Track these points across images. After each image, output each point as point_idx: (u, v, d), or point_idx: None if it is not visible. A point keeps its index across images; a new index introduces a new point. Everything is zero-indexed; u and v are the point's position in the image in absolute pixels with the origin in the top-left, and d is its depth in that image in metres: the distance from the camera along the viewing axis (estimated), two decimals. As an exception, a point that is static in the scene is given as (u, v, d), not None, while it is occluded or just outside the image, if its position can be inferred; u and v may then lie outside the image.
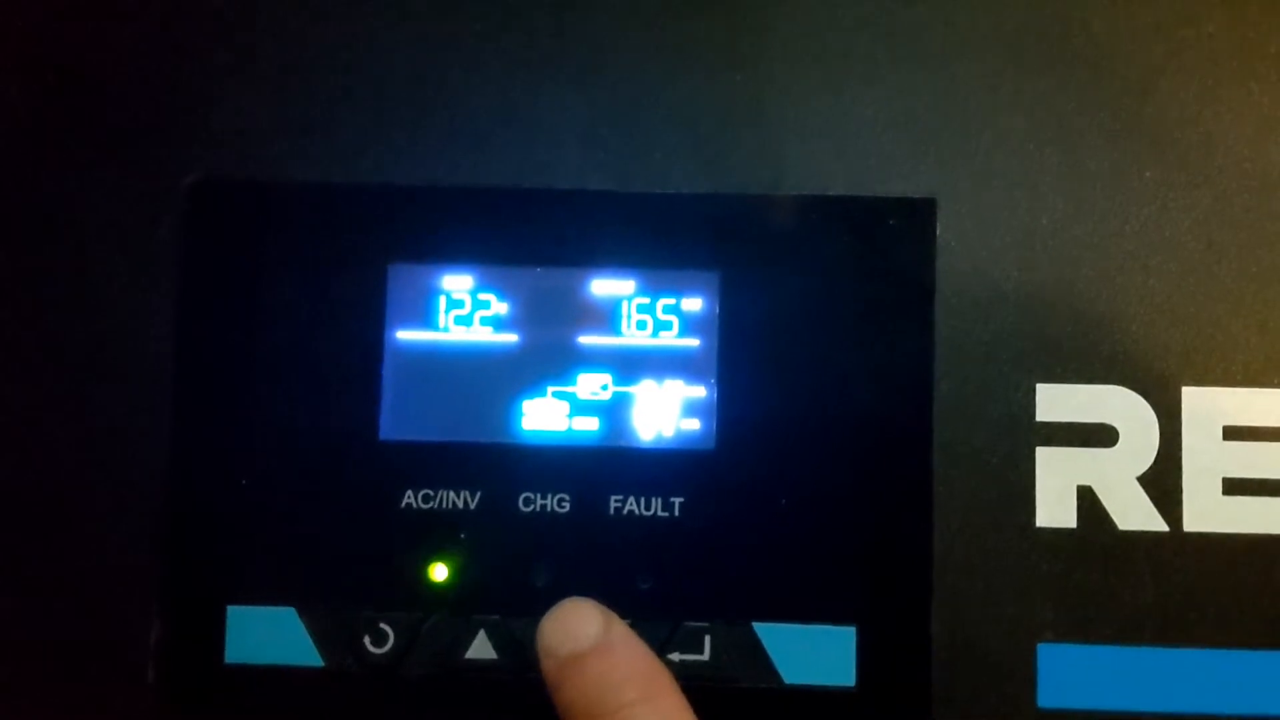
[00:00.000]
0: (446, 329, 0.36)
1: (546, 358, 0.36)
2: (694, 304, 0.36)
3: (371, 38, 0.36)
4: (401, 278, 0.36)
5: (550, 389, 0.36)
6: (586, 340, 0.36)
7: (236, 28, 0.37)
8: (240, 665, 0.35)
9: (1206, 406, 0.35)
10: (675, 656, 0.34)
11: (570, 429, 0.36)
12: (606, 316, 0.36)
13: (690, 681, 0.33)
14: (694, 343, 0.36)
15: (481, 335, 0.36)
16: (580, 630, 0.32)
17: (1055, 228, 0.35)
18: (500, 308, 0.36)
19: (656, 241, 0.36)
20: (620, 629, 0.32)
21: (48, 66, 0.37)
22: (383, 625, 0.35)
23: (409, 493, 0.35)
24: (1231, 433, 0.34)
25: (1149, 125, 0.35)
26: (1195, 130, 0.35)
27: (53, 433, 0.36)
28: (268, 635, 0.35)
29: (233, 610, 0.35)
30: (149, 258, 0.36)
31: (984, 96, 0.36)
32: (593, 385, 0.36)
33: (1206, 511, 0.34)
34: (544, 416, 0.36)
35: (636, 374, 0.36)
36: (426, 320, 0.36)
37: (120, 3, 0.37)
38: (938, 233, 0.35)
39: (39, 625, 0.35)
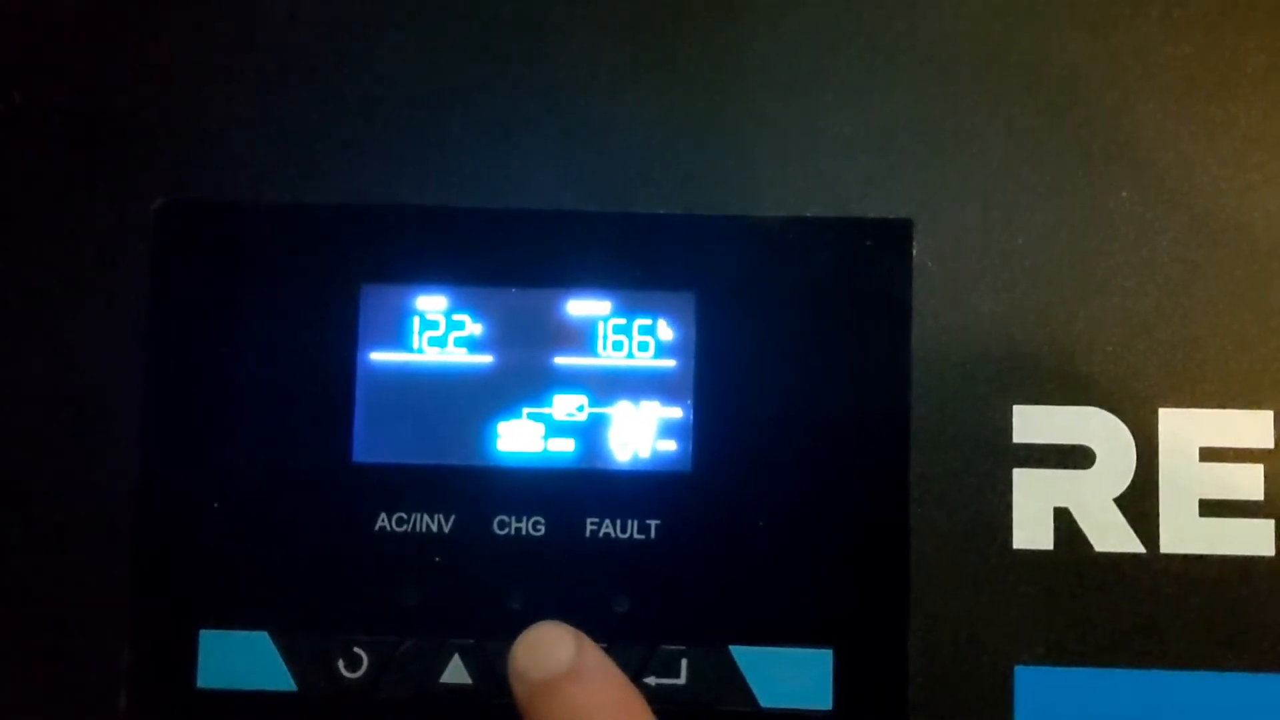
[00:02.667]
0: (420, 350, 0.36)
1: (522, 379, 0.36)
2: (670, 325, 0.36)
3: (345, 58, 0.36)
4: (374, 299, 0.36)
5: (525, 410, 0.36)
6: (562, 361, 0.36)
7: (206, 48, 0.36)
8: (213, 690, 0.35)
9: (1183, 428, 0.35)
10: (651, 680, 0.34)
11: (546, 450, 0.35)
12: (582, 337, 0.36)
13: (667, 705, 0.33)
14: (670, 363, 0.36)
15: (456, 356, 0.36)
16: (552, 655, 0.32)
17: (1032, 248, 0.35)
18: (475, 328, 0.36)
19: (632, 262, 0.36)
20: (593, 653, 0.32)
21: (12, 86, 0.36)
22: (357, 649, 0.35)
23: (383, 515, 0.35)
24: (1208, 454, 0.34)
25: (1126, 146, 0.35)
26: (1172, 151, 0.35)
27: (22, 456, 0.35)
28: (241, 660, 0.35)
29: (205, 634, 0.35)
30: (118, 280, 0.36)
31: (961, 117, 0.36)
32: (568, 406, 0.36)
33: (1183, 533, 0.34)
34: (519, 438, 0.35)
35: (613, 395, 0.36)
36: (400, 341, 0.36)
37: (88, 24, 0.36)
38: (914, 254, 0.35)
39: (6, 649, 0.35)
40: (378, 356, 0.36)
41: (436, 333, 0.36)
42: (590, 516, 0.35)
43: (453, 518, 0.35)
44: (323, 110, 0.36)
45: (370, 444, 0.35)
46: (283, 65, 0.36)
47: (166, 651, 0.35)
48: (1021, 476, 0.35)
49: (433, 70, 0.36)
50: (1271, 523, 0.34)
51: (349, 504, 0.35)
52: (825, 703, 0.34)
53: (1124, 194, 0.35)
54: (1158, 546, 0.34)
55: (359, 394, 0.35)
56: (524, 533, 0.35)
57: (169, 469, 0.35)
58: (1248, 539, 0.34)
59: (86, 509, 0.35)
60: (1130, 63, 0.36)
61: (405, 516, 0.35)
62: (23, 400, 0.35)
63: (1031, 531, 0.34)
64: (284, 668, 0.35)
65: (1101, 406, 0.35)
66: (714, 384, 0.35)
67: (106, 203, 0.36)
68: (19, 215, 0.36)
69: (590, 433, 0.35)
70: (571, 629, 0.33)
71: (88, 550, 0.35)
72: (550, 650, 0.32)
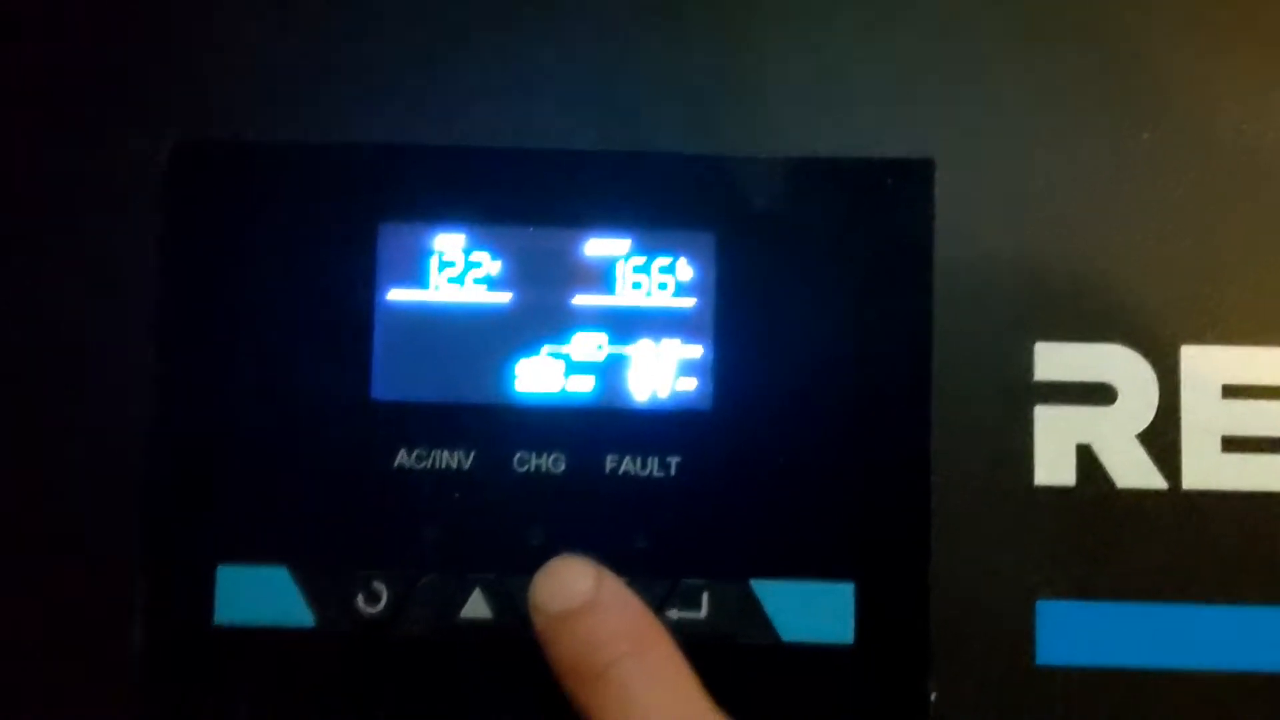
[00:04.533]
0: (438, 289, 0.36)
1: (541, 318, 0.36)
2: (690, 264, 0.36)
3: (363, -6, 0.36)
4: (392, 237, 0.36)
5: (545, 349, 0.35)
6: (581, 300, 0.36)
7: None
8: (230, 626, 0.34)
9: (1205, 364, 0.34)
10: (673, 614, 0.34)
11: (565, 389, 0.35)
12: (601, 276, 0.36)
13: (688, 639, 0.32)
14: (690, 303, 0.36)
15: (474, 295, 0.36)
16: (571, 587, 0.32)
17: (1054, 187, 0.35)
18: (493, 267, 0.36)
19: (652, 202, 0.36)
20: (612, 584, 0.32)
21: (25, 26, 0.36)
22: (376, 584, 0.34)
23: (402, 452, 0.35)
24: (1230, 391, 0.34)
25: (1148, 84, 0.35)
26: (1194, 91, 0.35)
27: (38, 392, 0.35)
28: (259, 595, 0.34)
29: (223, 570, 0.35)
30: (133, 220, 0.35)
31: (983, 58, 0.36)
32: (588, 345, 0.35)
33: (1205, 469, 0.34)
34: (538, 377, 0.35)
35: (632, 334, 0.35)
36: (418, 280, 0.36)
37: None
38: (936, 194, 0.35)
39: (17, 585, 0.35)
40: (396, 295, 0.36)
41: (454, 271, 0.36)
42: (610, 454, 0.35)
43: (472, 454, 0.35)
44: (341, 49, 0.36)
45: (389, 381, 0.35)
46: (301, 3, 0.36)
47: (183, 587, 0.34)
48: (1043, 413, 0.34)
49: (452, 8, 0.36)
50: (1293, 458, 0.34)
51: (368, 440, 0.35)
52: (847, 637, 0.34)
53: (1145, 134, 0.35)
54: (1180, 482, 0.34)
55: (377, 332, 0.35)
56: (544, 469, 0.35)
57: (186, 405, 0.35)
58: (1270, 475, 0.34)
59: (102, 445, 0.35)
60: (1152, 3, 0.36)
61: (425, 453, 0.35)
62: (39, 336, 0.35)
63: (1053, 468, 0.34)
64: (303, 603, 0.34)
65: (1123, 343, 0.35)
66: (734, 323, 0.35)
67: (121, 143, 0.36)
68: (34, 156, 0.36)
69: (610, 372, 0.35)
70: (592, 562, 0.32)
71: (103, 486, 0.35)
72: (569, 582, 0.32)
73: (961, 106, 0.36)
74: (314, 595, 0.34)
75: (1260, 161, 0.35)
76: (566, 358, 0.35)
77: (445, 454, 0.35)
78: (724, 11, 0.36)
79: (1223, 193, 0.35)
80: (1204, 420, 0.34)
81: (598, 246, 0.36)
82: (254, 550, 0.34)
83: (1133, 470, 0.34)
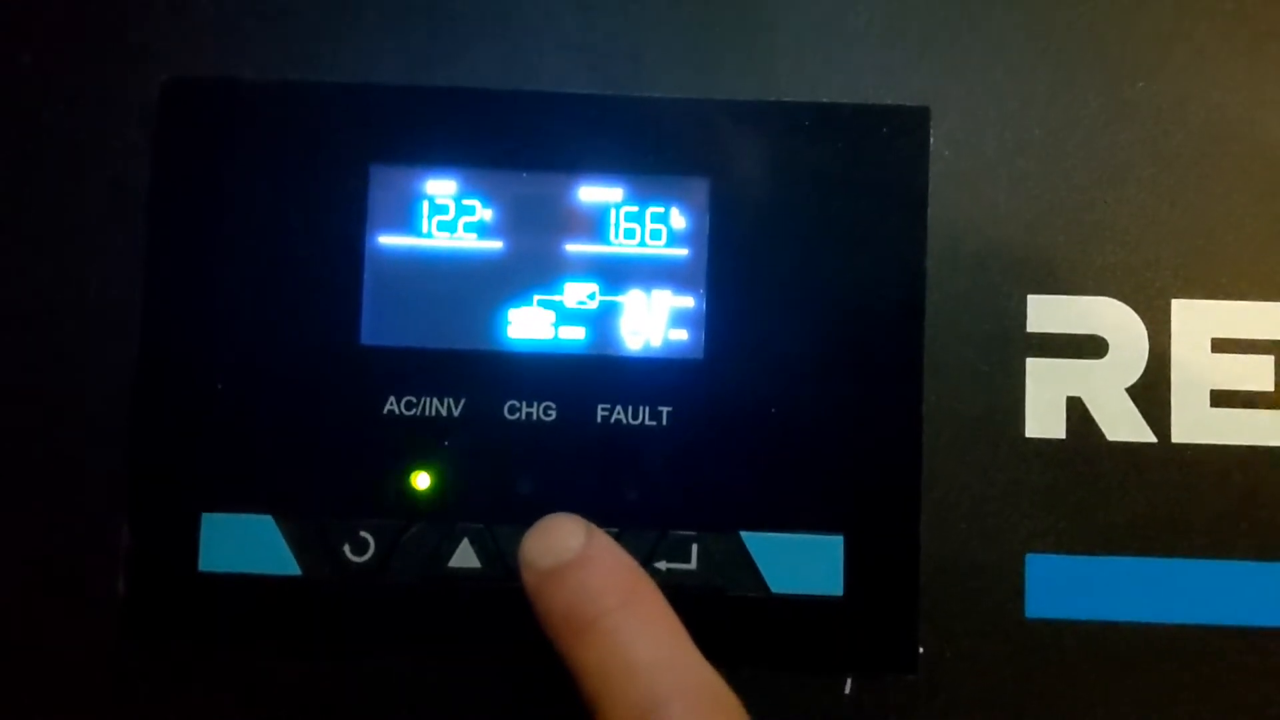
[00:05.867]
0: (429, 234, 0.35)
1: (532, 265, 0.35)
2: (683, 212, 0.35)
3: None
4: (383, 179, 0.35)
5: (536, 297, 0.35)
6: (573, 248, 0.35)
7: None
8: (215, 574, 0.34)
9: (1195, 318, 0.35)
10: (662, 565, 0.34)
11: (557, 337, 0.35)
12: (594, 224, 0.35)
13: (677, 590, 0.32)
14: (683, 252, 0.35)
15: (466, 241, 0.35)
16: (561, 543, 0.32)
17: (1048, 138, 0.35)
18: (485, 214, 0.35)
19: (645, 147, 0.35)
20: (602, 540, 0.32)
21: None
22: (363, 533, 0.34)
23: (391, 399, 0.34)
24: (1220, 345, 0.34)
25: (1143, 37, 0.35)
26: (1189, 42, 0.35)
27: (23, 336, 0.34)
28: (244, 543, 0.34)
29: (207, 518, 0.34)
30: (122, 158, 0.35)
31: (979, 5, 0.35)
32: (579, 294, 0.35)
33: (1194, 423, 0.34)
34: (530, 324, 0.35)
35: (624, 283, 0.35)
36: (409, 225, 0.35)
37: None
38: (931, 142, 0.35)
39: (4, 535, 0.34)
40: (386, 240, 0.35)
41: (446, 217, 0.35)
42: (601, 403, 0.35)
43: (463, 402, 0.34)
44: (331, -11, 0.35)
45: (378, 327, 0.35)
46: (290, -58, 0.36)
47: (168, 535, 0.34)
48: (1034, 365, 0.34)
49: (445, -52, 0.35)
50: (1282, 413, 0.34)
51: (357, 387, 0.34)
52: (836, 589, 0.34)
53: (1140, 84, 0.35)
54: (1169, 436, 0.34)
55: (367, 276, 0.35)
56: (535, 418, 0.34)
57: (172, 350, 0.34)
58: (1259, 429, 0.34)
59: (87, 390, 0.34)
60: (1149, -46, 0.36)
61: (414, 400, 0.34)
62: (24, 278, 0.35)
63: (1044, 420, 0.34)
64: (288, 552, 0.34)
65: (1115, 297, 0.35)
66: (727, 272, 0.35)
67: (111, 80, 0.35)
68: (21, 94, 0.35)
69: (602, 320, 0.35)
70: (582, 520, 0.32)
71: (88, 432, 0.34)
72: (559, 538, 0.32)
73: (959, 55, 0.35)
74: (299, 544, 0.34)
75: (1254, 116, 0.35)
76: (559, 306, 0.35)
77: (435, 401, 0.34)
78: (720, -43, 0.36)
79: (1216, 146, 0.35)
80: (1193, 374, 0.34)
81: (591, 193, 0.35)
82: (239, 498, 0.34)
83: (1123, 423, 0.34)
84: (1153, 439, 0.34)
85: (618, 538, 0.33)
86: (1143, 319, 0.35)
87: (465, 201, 0.35)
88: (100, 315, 0.34)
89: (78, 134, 0.35)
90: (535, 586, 0.31)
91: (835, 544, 0.34)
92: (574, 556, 0.31)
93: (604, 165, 0.35)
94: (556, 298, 0.35)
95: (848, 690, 0.34)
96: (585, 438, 0.34)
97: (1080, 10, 0.35)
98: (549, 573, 0.31)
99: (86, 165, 0.35)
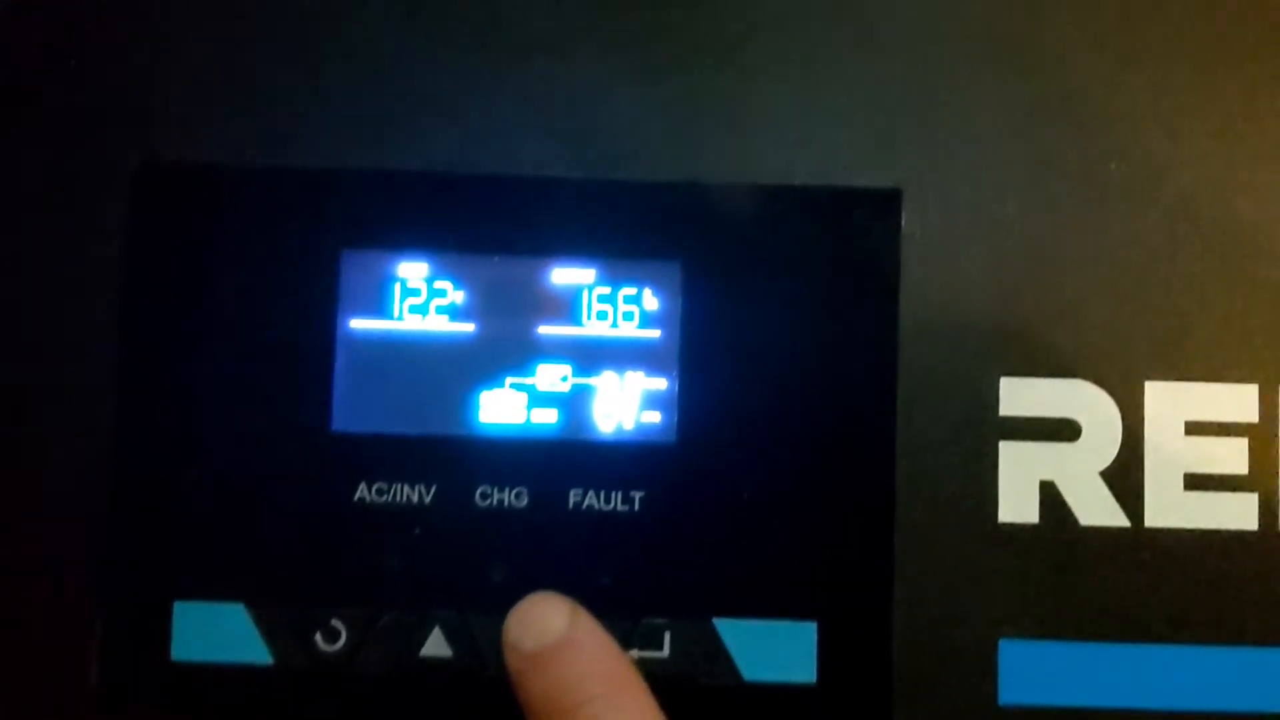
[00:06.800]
0: (401, 318, 0.35)
1: (504, 348, 0.35)
2: (655, 294, 0.35)
3: (326, 17, 0.35)
4: (355, 265, 0.35)
5: (508, 380, 0.35)
6: (546, 330, 0.35)
7: (182, 7, 0.35)
8: (187, 663, 0.34)
9: (1169, 401, 0.34)
10: (634, 653, 0.34)
11: (529, 421, 0.35)
12: (566, 306, 0.35)
13: (649, 679, 0.32)
14: (655, 334, 0.35)
15: (437, 324, 0.35)
16: (545, 625, 0.31)
17: (1020, 219, 0.35)
18: (456, 296, 0.35)
19: (617, 230, 0.35)
20: (587, 624, 0.32)
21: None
22: (335, 622, 0.34)
23: (362, 485, 0.34)
24: (1194, 428, 0.34)
25: (1115, 118, 0.35)
26: (1161, 124, 0.35)
27: (-9, 423, 0.34)
28: (216, 632, 0.34)
29: (179, 606, 0.34)
30: (93, 244, 0.35)
31: (950, 87, 0.35)
32: (552, 376, 0.35)
33: (1168, 507, 0.34)
34: (502, 408, 0.35)
35: (597, 365, 0.35)
36: (380, 309, 0.35)
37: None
38: (903, 224, 0.35)
39: (-25, 622, 0.34)
40: (358, 324, 0.35)
41: (418, 300, 0.35)
42: (574, 488, 0.34)
43: (434, 488, 0.34)
44: (304, 73, 0.35)
45: (350, 413, 0.35)
46: (263, 26, 0.35)
47: (140, 624, 0.34)
48: (1008, 449, 0.34)
49: (416, 32, 0.35)
50: (1256, 497, 0.34)
51: (328, 473, 0.34)
52: (809, 676, 0.34)
53: (1113, 166, 0.35)
54: (1143, 521, 0.34)
55: (338, 362, 0.35)
56: (506, 504, 0.34)
57: (143, 436, 0.34)
58: (1232, 513, 0.34)
59: (59, 477, 0.34)
60: (1120, 34, 0.35)
61: (385, 487, 0.34)
62: (-8, 366, 0.35)
63: (1017, 505, 0.34)
64: (260, 640, 0.34)
65: (1088, 379, 0.35)
66: (699, 355, 0.35)
67: (82, 165, 0.35)
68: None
69: (574, 403, 0.35)
70: (567, 600, 0.32)
71: (59, 519, 0.34)
72: (543, 620, 0.31)
73: (930, 136, 0.35)
74: (271, 632, 0.34)
75: (1227, 197, 0.35)
76: (531, 389, 0.35)
77: (406, 488, 0.34)
78: (694, 39, 0.35)
79: (1189, 228, 0.35)
80: (1167, 457, 0.34)
81: (563, 275, 0.35)
82: (211, 586, 0.34)
83: (1096, 508, 0.34)
84: (1126, 523, 0.34)
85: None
86: (1116, 401, 0.34)
87: (437, 284, 0.35)
88: (74, 400, 0.34)
89: (46, 219, 0.35)
90: (518, 670, 0.31)
91: (809, 630, 0.34)
92: (556, 640, 0.31)
93: (576, 248, 0.35)
94: (529, 380, 0.35)
95: (822, 776, 0.34)
96: (557, 524, 0.34)
97: (1053, 92, 0.35)
98: (532, 656, 0.31)
99: (56, 250, 0.35)
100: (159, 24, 0.35)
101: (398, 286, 0.35)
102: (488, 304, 0.35)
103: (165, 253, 0.35)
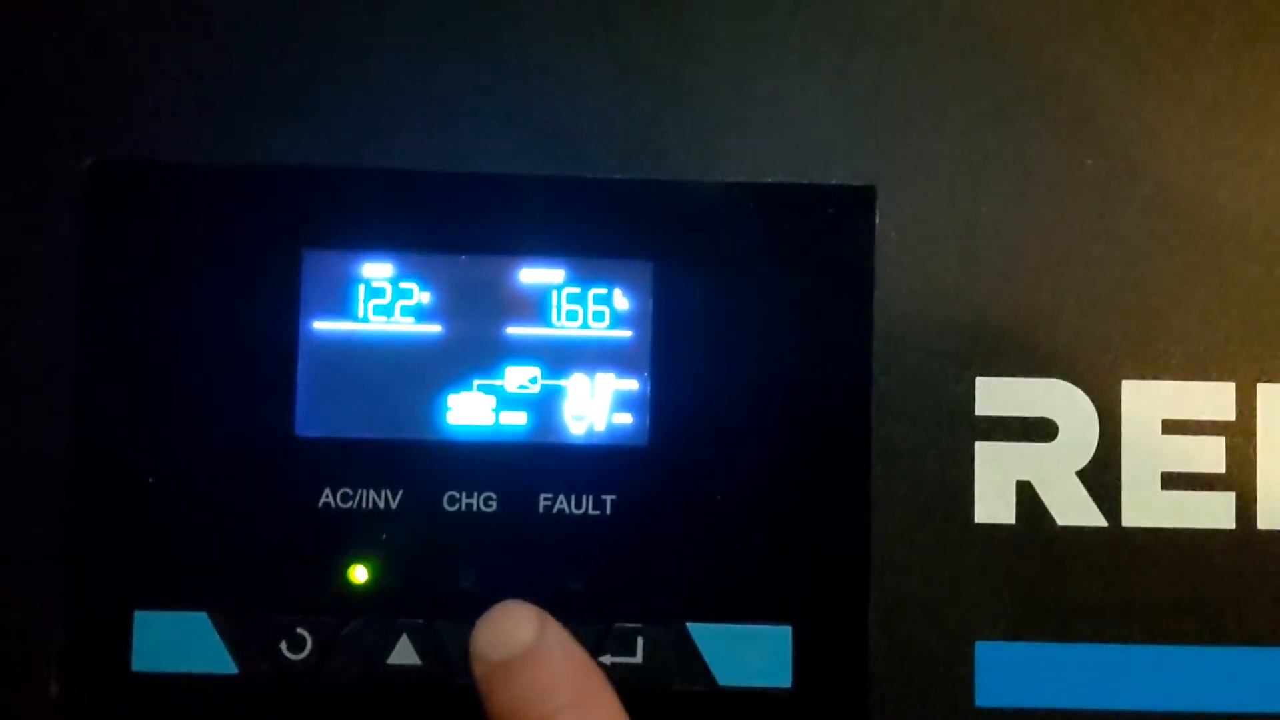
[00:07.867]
0: (366, 319, 0.34)
1: (472, 349, 0.34)
2: (626, 294, 0.35)
3: (286, 14, 0.34)
4: (317, 264, 0.34)
5: (476, 382, 0.34)
6: (514, 331, 0.34)
7: (143, 3, 0.34)
8: (149, 673, 0.33)
9: (1146, 400, 0.34)
10: (607, 659, 0.33)
11: (497, 424, 0.34)
12: (535, 306, 0.35)
13: (623, 684, 0.32)
14: (626, 334, 0.35)
15: (403, 326, 0.34)
16: (513, 635, 0.31)
17: (995, 217, 0.35)
18: (423, 297, 0.34)
19: (587, 229, 0.35)
20: (555, 633, 0.31)
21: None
22: (300, 630, 0.33)
23: (327, 491, 0.34)
24: (1170, 426, 0.34)
25: (1090, 115, 0.35)
26: (1137, 120, 0.35)
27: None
28: (178, 641, 0.33)
29: (140, 615, 0.33)
30: (47, 244, 0.34)
31: (924, 84, 0.35)
32: (521, 378, 0.34)
33: (1145, 506, 0.34)
34: (470, 411, 0.34)
35: (567, 366, 0.34)
36: (344, 310, 0.34)
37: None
38: (877, 222, 0.34)
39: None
40: (321, 325, 0.34)
41: (382, 301, 0.34)
42: (544, 492, 0.34)
43: (401, 493, 0.34)
44: (266, 68, 0.34)
45: (313, 417, 0.34)
46: (224, 21, 0.35)
47: (100, 633, 0.33)
48: (984, 449, 0.34)
49: (380, 28, 0.35)
50: (1233, 495, 0.34)
51: (292, 479, 0.34)
52: (784, 680, 0.33)
53: (1088, 162, 0.35)
54: (1119, 520, 0.34)
55: (301, 365, 0.34)
56: (475, 509, 0.34)
57: (102, 442, 0.34)
58: (1209, 512, 0.34)
59: (16, 484, 0.33)
60: (1095, 30, 0.35)
61: (351, 492, 0.34)
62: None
63: (993, 505, 0.34)
64: (224, 649, 0.33)
65: (1064, 378, 0.34)
66: (671, 355, 0.34)
67: (35, 163, 0.34)
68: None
69: (543, 406, 0.34)
70: (535, 609, 0.31)
71: (17, 527, 0.33)
72: (510, 630, 0.31)
73: (904, 133, 0.35)
74: (235, 642, 0.33)
75: (1203, 193, 0.35)
76: (499, 391, 0.34)
77: (372, 493, 0.34)
78: (663, 35, 0.35)
79: (1165, 225, 0.35)
80: (1144, 456, 0.34)
81: (531, 275, 0.35)
82: (172, 595, 0.33)
83: (1073, 507, 0.34)
84: (1103, 523, 0.34)
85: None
86: (1093, 401, 0.34)
87: (402, 285, 0.34)
88: (30, 406, 0.34)
89: (2, 213, 0.34)
90: (486, 680, 0.31)
91: (783, 634, 0.34)
92: (524, 650, 0.31)
93: (545, 247, 0.35)
94: (497, 382, 0.34)
95: (797, 782, 0.34)
96: (527, 529, 0.34)
97: (1027, 88, 0.35)
98: (500, 665, 0.31)
99: (8, 252, 0.34)
100: (116, 19, 0.34)
101: (362, 287, 0.34)
102: (455, 304, 0.34)
103: (122, 254, 0.34)
